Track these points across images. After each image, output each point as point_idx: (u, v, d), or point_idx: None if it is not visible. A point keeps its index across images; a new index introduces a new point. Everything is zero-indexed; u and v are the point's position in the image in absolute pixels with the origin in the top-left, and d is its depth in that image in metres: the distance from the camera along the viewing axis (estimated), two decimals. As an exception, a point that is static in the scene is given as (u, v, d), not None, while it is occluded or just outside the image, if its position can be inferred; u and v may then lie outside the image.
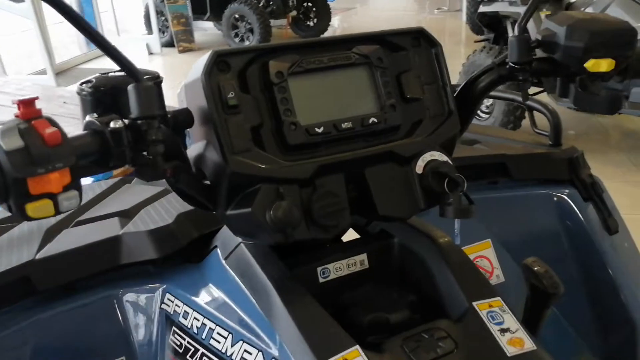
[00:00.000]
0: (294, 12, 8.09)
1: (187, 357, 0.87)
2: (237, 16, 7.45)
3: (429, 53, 0.82)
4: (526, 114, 1.34)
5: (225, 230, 0.91)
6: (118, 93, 0.64)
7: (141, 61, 7.63)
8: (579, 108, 1.13)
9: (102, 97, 0.68)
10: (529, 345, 0.71)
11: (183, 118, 0.74)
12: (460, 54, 7.28)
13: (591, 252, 1.23)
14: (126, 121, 0.64)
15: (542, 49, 0.85)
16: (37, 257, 0.93)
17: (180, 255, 0.98)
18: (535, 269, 0.92)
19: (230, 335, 0.80)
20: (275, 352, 0.73)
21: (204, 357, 0.83)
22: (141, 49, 7.80)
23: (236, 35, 7.55)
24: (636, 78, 0.75)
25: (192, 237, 0.99)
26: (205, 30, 8.75)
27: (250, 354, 0.77)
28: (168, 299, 0.94)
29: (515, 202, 1.26)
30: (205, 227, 1.00)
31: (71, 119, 3.85)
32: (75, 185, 0.59)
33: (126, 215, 1.07)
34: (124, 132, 0.63)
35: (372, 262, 0.86)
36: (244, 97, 0.71)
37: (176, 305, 0.92)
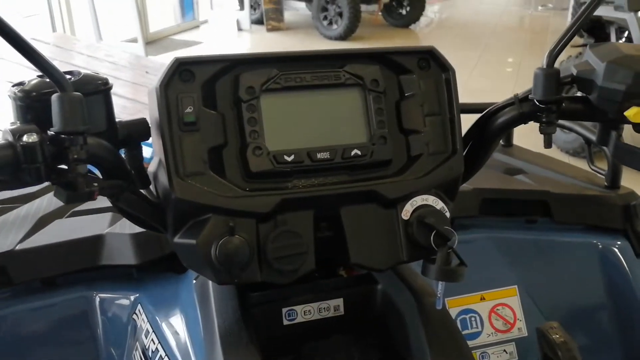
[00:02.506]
0: (388, -1, 7.89)
1: None
2: (328, -1, 7.36)
3: (438, 78, 0.69)
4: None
5: None
6: (48, 100, 0.56)
7: (229, 37, 7.73)
8: (619, 161, 0.95)
9: (33, 103, 0.60)
10: None
11: (138, 129, 0.66)
12: (560, 57, 6.85)
13: (635, 314, 1.06)
14: (50, 134, 0.56)
15: (577, 86, 0.70)
16: (17, 247, 0.91)
17: (162, 263, 0.93)
18: (553, 337, 0.78)
19: None
20: None
21: None
22: (231, 24, 7.89)
23: (325, 18, 7.46)
24: None
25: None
26: (297, 10, 8.72)
27: None
28: (138, 310, 0.90)
29: (553, 247, 1.10)
30: None
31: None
32: None
33: None
34: (39, 148, 0.55)
35: (349, 309, 0.75)
36: (206, 113, 0.62)
37: (142, 320, 0.87)
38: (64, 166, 0.57)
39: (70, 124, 0.55)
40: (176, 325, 0.79)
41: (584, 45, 4.38)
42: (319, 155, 0.64)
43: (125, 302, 0.92)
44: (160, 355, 0.77)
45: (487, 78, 5.73)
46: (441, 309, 0.69)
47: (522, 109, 0.72)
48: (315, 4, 7.47)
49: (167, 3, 7.88)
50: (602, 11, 3.88)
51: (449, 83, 0.69)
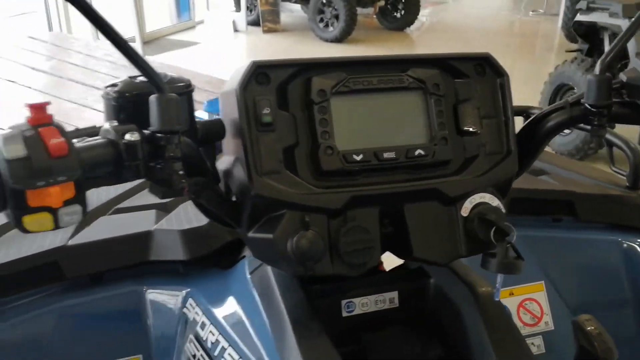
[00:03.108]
0: (382, 2, 7.95)
1: None
2: (324, 1, 7.40)
3: (493, 83, 0.74)
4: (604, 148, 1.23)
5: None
6: (142, 101, 0.60)
7: (226, 38, 7.74)
8: None
9: (126, 103, 0.64)
10: None
11: (215, 129, 0.70)
12: (550, 61, 6.92)
13: None
14: (145, 132, 0.60)
15: (627, 92, 0.75)
16: (69, 243, 0.94)
17: (209, 259, 0.96)
18: (588, 329, 0.83)
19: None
20: None
21: None
22: (227, 25, 7.91)
23: (321, 20, 7.51)
24: None
25: (223, 242, 0.96)
26: (292, 12, 8.77)
27: None
28: (190, 304, 0.92)
29: (578, 245, 1.15)
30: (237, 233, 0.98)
31: (150, 89, 3.97)
32: (78, 199, 0.55)
33: (164, 209, 1.06)
34: (140, 146, 0.59)
35: (403, 302, 0.80)
36: (281, 114, 0.66)
37: (196, 313, 0.90)
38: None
39: (167, 124, 0.59)
40: (236, 317, 0.82)
41: (578, 50, 4.46)
42: (385, 155, 0.68)
43: (175, 296, 0.94)
44: (223, 346, 0.80)
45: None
46: (498, 302, 0.73)
47: (573, 112, 0.77)
48: (311, 6, 7.51)
49: (163, 3, 7.88)
50: (597, 17, 3.96)
51: (504, 87, 0.74)
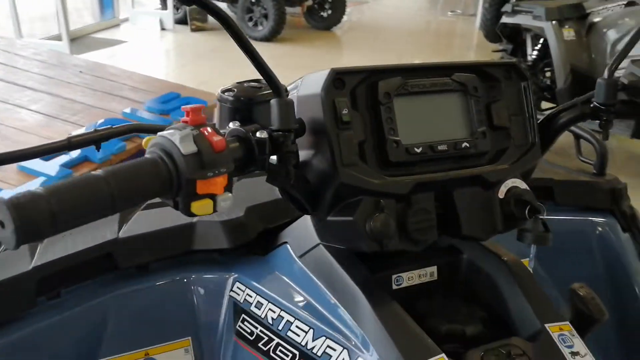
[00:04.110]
0: (310, 1, 8.08)
1: (260, 344, 0.92)
2: (253, 0, 7.43)
3: (518, 86, 0.86)
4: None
5: (296, 229, 0.96)
6: (254, 104, 0.69)
7: (153, 36, 7.60)
8: None
9: (241, 106, 0.73)
10: None
11: (299, 128, 0.78)
12: (470, 60, 7.33)
13: (625, 282, 1.28)
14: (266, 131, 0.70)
15: (626, 92, 0.89)
16: (120, 236, 0.99)
17: (248, 247, 1.03)
18: (583, 294, 0.97)
19: (311, 330, 0.84)
20: (361, 352, 0.77)
21: (280, 347, 0.88)
22: (154, 23, 7.77)
23: (250, 19, 7.54)
24: None
25: (259, 230, 1.03)
26: (219, 10, 8.71)
27: (334, 350, 0.81)
28: (238, 287, 0.99)
29: (557, 226, 1.30)
30: (271, 222, 1.05)
31: (86, 89, 3.85)
32: (230, 187, 0.65)
33: None
34: (268, 143, 0.68)
35: (441, 275, 0.90)
36: (355, 114, 0.75)
37: (247, 294, 0.96)
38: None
39: (285, 123, 0.69)
40: (295, 294, 0.89)
41: (503, 50, 4.78)
42: (439, 147, 0.79)
43: (220, 282, 1.00)
44: (288, 320, 0.87)
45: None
46: (526, 268, 0.85)
47: (584, 110, 0.91)
48: (240, 5, 7.52)
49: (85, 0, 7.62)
50: (521, 19, 4.27)
51: (527, 89, 0.86)
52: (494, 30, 7.17)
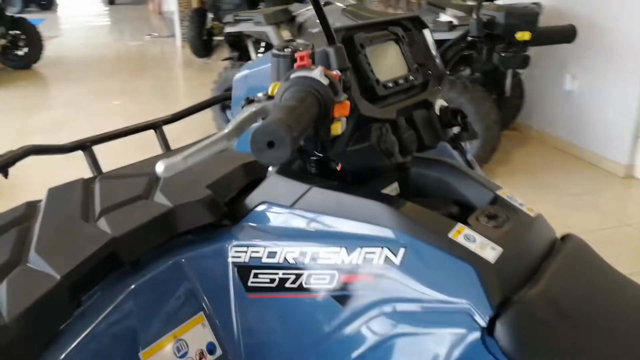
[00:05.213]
0: (3, 41, 7.44)
1: (286, 285, 0.96)
2: None
3: (422, 32, 1.13)
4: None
5: (268, 189, 1.02)
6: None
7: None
8: (504, 68, 1.61)
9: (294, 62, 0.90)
10: (534, 211, 0.97)
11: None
12: (179, 76, 7.72)
13: None
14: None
15: (487, 27, 1.35)
16: (116, 235, 0.98)
17: (221, 220, 1.08)
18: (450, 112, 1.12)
19: (343, 248, 0.90)
20: (399, 242, 0.86)
21: (312, 277, 0.93)
22: None
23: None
24: (541, 45, 1.30)
25: (226, 201, 1.10)
26: None
27: (374, 253, 0.88)
28: (236, 252, 1.02)
29: None
30: (230, 193, 1.13)
31: None
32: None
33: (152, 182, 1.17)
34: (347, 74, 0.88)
35: (401, 189, 1.05)
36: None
37: (252, 252, 1.00)
38: None
39: (342, 63, 0.89)
40: (306, 232, 0.96)
41: (231, 58, 5.23)
42: (400, 82, 1.01)
43: (216, 253, 1.04)
44: (314, 251, 0.94)
45: (136, 103, 6.18)
46: (458, 162, 1.09)
47: (464, 44, 1.33)
48: None
49: None
50: (244, 27, 4.74)
51: (429, 35, 1.14)
52: (199, 45, 7.72)
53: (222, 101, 1.56)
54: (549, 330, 0.80)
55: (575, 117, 4.37)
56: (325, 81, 0.80)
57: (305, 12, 4.83)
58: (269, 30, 4.55)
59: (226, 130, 0.81)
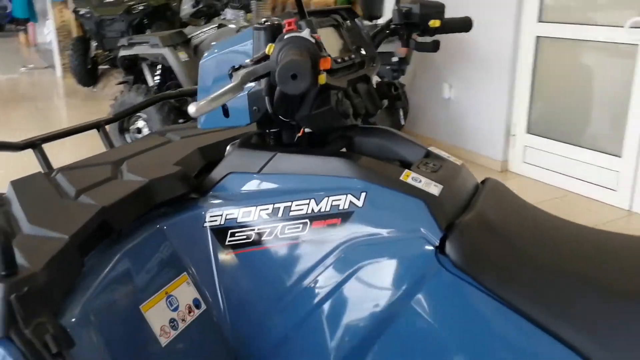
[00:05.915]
0: None
1: (263, 238, 1.08)
2: None
3: (354, 21, 1.39)
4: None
5: (232, 162, 1.16)
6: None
7: None
8: (418, 50, 1.76)
9: (274, 35, 1.06)
10: (454, 158, 1.21)
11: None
12: (63, 106, 7.47)
13: None
14: None
15: (405, 17, 1.55)
16: (105, 204, 1.05)
17: (191, 192, 1.20)
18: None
19: (312, 199, 1.05)
20: (360, 188, 1.03)
21: (287, 227, 1.06)
22: None
23: None
24: (446, 33, 1.56)
25: (194, 173, 1.23)
26: None
27: (339, 199, 1.03)
28: (211, 216, 1.13)
29: None
30: (194, 169, 1.26)
31: None
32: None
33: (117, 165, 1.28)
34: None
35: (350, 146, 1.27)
36: None
37: (227, 215, 1.12)
38: None
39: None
40: (275, 190, 1.09)
41: (126, 81, 5.21)
42: (345, 59, 1.22)
43: (192, 219, 1.14)
44: (285, 206, 1.07)
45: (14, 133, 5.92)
46: (388, 127, 1.35)
47: (388, 29, 1.51)
48: None
49: None
50: (139, 50, 4.75)
51: (360, 23, 1.39)
52: (83, 74, 7.53)
53: (162, 100, 1.69)
54: (487, 244, 1.03)
55: (455, 122, 4.86)
56: (312, 40, 0.97)
57: (200, 35, 4.96)
58: (166, 52, 4.61)
59: (237, 82, 0.97)
